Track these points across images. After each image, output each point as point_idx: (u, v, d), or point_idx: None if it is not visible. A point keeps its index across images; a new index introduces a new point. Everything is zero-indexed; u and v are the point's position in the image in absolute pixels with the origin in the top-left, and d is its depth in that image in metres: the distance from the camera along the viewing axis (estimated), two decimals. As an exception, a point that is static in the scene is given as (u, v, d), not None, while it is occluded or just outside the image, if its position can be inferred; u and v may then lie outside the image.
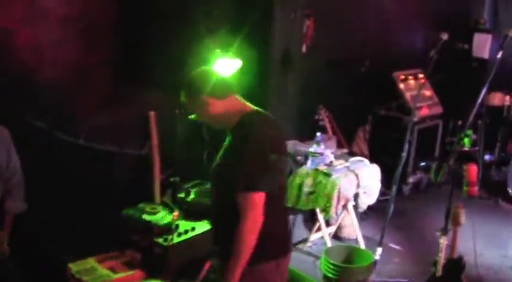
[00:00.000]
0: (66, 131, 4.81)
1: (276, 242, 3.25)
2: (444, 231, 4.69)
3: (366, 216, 6.78)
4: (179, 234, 4.04)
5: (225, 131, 3.26)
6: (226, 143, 3.22)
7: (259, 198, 3.02)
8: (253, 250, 3.08)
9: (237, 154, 3.07)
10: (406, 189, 7.67)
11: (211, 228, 3.53)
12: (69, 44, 4.77)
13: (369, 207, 6.38)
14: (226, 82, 3.26)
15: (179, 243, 4.00)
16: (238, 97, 3.27)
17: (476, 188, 4.73)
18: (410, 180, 7.71)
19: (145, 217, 4.26)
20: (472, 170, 4.68)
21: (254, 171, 3.02)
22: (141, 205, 4.34)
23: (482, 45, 8.34)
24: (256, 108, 3.27)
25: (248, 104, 3.27)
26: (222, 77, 3.28)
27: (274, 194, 3.15)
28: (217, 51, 4.61)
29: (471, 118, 4.76)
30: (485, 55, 8.22)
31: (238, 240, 3.03)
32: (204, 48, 4.62)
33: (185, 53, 4.62)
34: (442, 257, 4.65)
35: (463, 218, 4.54)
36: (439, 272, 4.66)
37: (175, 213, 4.19)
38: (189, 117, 3.44)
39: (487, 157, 8.19)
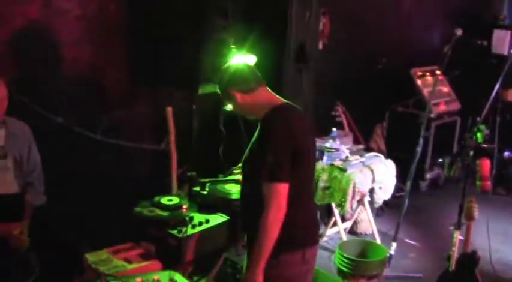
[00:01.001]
0: (85, 127, 4.89)
1: (303, 232, 3.32)
2: (457, 225, 4.70)
3: (383, 211, 6.80)
4: (193, 226, 4.10)
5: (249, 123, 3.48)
6: (255, 134, 3.32)
7: (283, 188, 3.11)
8: (280, 239, 3.15)
9: (264, 144, 3.16)
10: (423, 185, 7.69)
11: (241, 218, 3.61)
12: (87, 42, 4.86)
13: (386, 203, 6.41)
14: (252, 76, 3.38)
15: (193, 235, 4.06)
16: (268, 89, 3.40)
17: (489, 183, 4.72)
18: (428, 176, 7.71)
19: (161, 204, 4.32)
20: (485, 165, 4.68)
21: (279, 162, 3.10)
22: (156, 198, 4.39)
23: (502, 41, 8.29)
24: (285, 100, 3.39)
25: (278, 96, 3.40)
26: (250, 71, 3.40)
27: (301, 184, 3.24)
28: (232, 47, 4.66)
29: (484, 113, 4.76)
30: (505, 51, 8.16)
31: (262, 229, 3.12)
32: (219, 44, 4.67)
33: (200, 48, 4.68)
34: (455, 252, 4.66)
35: (476, 213, 4.55)
36: (453, 267, 4.68)
37: (185, 205, 4.24)
38: (225, 107, 3.73)
39: (506, 154, 8.15)
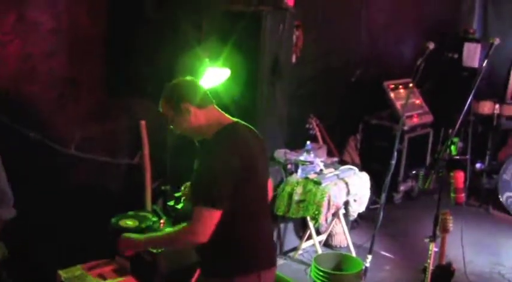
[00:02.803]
0: (57, 141, 4.84)
1: (257, 253, 3.24)
2: (432, 238, 4.72)
3: (357, 224, 6.83)
4: (168, 242, 4.07)
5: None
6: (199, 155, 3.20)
7: (213, 214, 2.98)
8: (233, 261, 3.14)
9: (203, 167, 3.06)
10: (397, 197, 7.72)
11: None
12: (60, 56, 4.81)
13: (360, 216, 6.43)
14: (205, 92, 3.26)
15: (168, 249, 4.03)
16: (217, 108, 3.28)
17: (463, 195, 4.75)
18: (402, 188, 7.75)
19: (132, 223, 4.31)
20: (459, 177, 4.71)
21: (216, 187, 2.99)
22: (130, 213, 4.37)
23: (472, 54, 8.41)
24: (234, 119, 3.28)
25: (226, 115, 3.28)
26: (202, 87, 3.28)
27: (252, 205, 3.17)
28: (206, 60, 4.65)
29: (457, 126, 4.80)
30: (475, 64, 8.28)
31: (172, 236, 3.15)
32: (193, 58, 4.66)
33: (175, 62, 4.66)
34: (430, 264, 4.68)
35: (450, 225, 4.57)
36: (428, 279, 4.69)
37: (162, 220, 4.21)
38: (170, 126, 3.35)
39: (477, 165, 8.25)
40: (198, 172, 3.08)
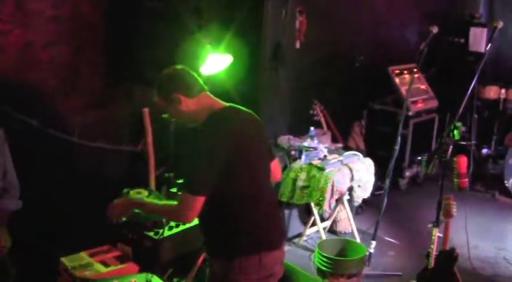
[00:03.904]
0: (60, 129, 4.84)
1: (256, 236, 3.23)
2: (436, 223, 4.71)
3: (362, 210, 6.81)
4: (170, 228, 4.07)
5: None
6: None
7: (196, 201, 3.05)
8: (232, 244, 3.18)
9: (191, 153, 3.10)
10: (402, 183, 7.70)
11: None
12: (60, 44, 4.81)
13: (365, 202, 6.42)
14: (196, 80, 3.28)
15: (170, 236, 4.04)
16: (209, 94, 3.30)
17: (466, 180, 4.72)
18: (407, 174, 7.72)
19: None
20: (462, 162, 4.68)
21: (197, 176, 3.06)
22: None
23: (478, 39, 8.35)
24: (227, 104, 3.29)
25: (219, 101, 3.30)
26: (193, 75, 3.29)
27: (247, 190, 3.18)
28: (208, 46, 4.62)
29: (461, 110, 4.77)
30: (482, 49, 8.22)
31: (164, 208, 3.29)
32: (194, 44, 4.64)
33: (176, 48, 4.64)
34: (434, 249, 4.67)
35: (454, 210, 4.56)
36: (432, 264, 4.69)
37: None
38: (162, 116, 3.45)
39: (484, 150, 8.22)
40: (187, 158, 3.14)
